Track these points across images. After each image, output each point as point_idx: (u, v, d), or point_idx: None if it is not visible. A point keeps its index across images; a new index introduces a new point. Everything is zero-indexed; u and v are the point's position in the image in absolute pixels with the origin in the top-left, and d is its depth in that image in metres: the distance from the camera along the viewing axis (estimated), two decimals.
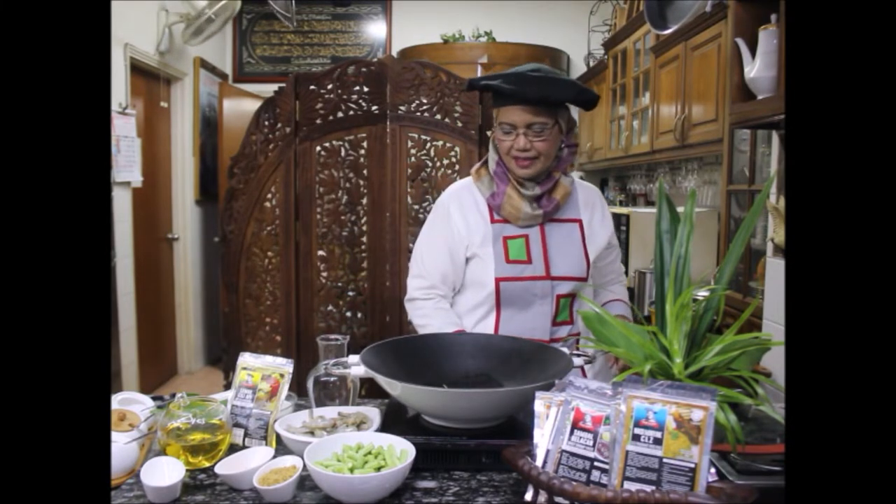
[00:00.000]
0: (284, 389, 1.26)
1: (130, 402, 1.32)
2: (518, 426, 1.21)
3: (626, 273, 3.39)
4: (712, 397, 0.91)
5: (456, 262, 1.66)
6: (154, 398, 1.37)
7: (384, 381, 1.18)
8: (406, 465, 1.04)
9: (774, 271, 2.05)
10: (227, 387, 2.09)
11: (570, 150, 1.65)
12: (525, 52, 4.99)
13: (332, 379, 1.36)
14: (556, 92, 1.54)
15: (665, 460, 0.90)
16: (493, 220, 1.64)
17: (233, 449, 1.20)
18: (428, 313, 1.68)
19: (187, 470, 1.10)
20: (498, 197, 1.62)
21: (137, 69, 4.04)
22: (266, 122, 2.44)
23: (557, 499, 0.93)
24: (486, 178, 1.65)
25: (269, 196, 2.47)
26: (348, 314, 2.50)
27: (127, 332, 3.88)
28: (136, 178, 3.94)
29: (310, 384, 1.35)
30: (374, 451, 1.09)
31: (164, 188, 4.62)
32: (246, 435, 1.24)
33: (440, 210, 1.71)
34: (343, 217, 2.47)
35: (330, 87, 2.43)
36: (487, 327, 1.64)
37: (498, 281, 1.60)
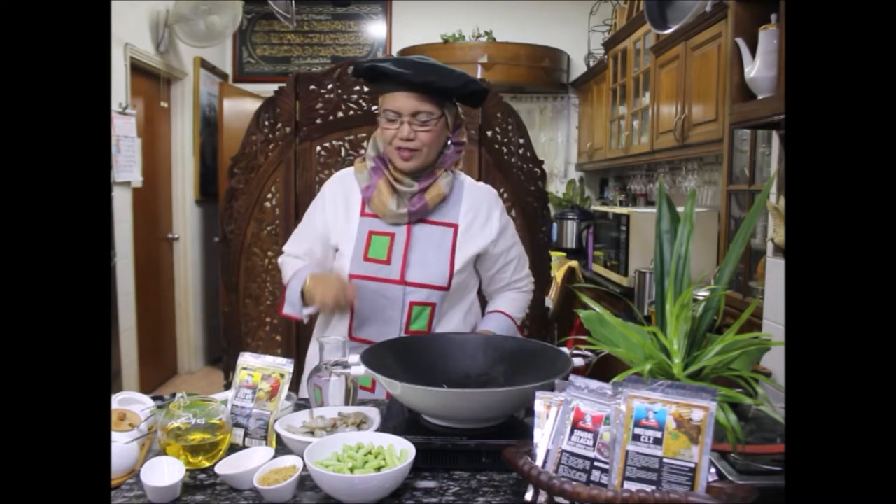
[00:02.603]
0: (284, 389, 1.26)
1: (130, 402, 1.32)
2: (518, 426, 1.21)
3: (627, 272, 3.41)
4: (712, 397, 0.91)
5: (317, 251, 1.67)
6: (154, 398, 1.37)
7: (384, 381, 1.18)
8: (406, 465, 1.04)
9: (774, 271, 2.05)
10: (227, 387, 2.08)
11: (457, 149, 1.62)
12: (525, 52, 4.99)
13: (331, 379, 1.36)
14: (442, 78, 1.50)
15: (665, 460, 0.90)
16: (363, 214, 1.61)
17: (233, 449, 1.20)
18: (285, 265, 1.70)
19: (187, 470, 1.10)
20: (370, 190, 1.59)
21: (137, 69, 4.04)
22: (266, 122, 2.44)
23: (557, 499, 0.93)
24: (366, 170, 1.62)
25: (269, 196, 2.46)
26: None
27: (127, 332, 3.88)
28: (136, 178, 3.94)
29: (310, 384, 1.35)
30: (374, 451, 1.09)
31: (164, 188, 4.62)
32: (246, 435, 1.24)
33: (318, 197, 1.71)
34: None
35: (330, 86, 2.43)
36: (342, 326, 1.61)
37: (351, 278, 1.57)
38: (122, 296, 3.83)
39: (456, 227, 1.61)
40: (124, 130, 3.74)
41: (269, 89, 2.70)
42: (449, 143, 1.60)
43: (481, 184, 1.72)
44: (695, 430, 0.90)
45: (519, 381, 1.27)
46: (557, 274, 3.82)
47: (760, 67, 1.89)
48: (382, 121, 1.55)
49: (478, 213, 1.63)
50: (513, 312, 1.71)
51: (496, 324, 1.67)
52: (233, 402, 1.26)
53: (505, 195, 2.47)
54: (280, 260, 1.75)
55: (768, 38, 1.87)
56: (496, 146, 2.44)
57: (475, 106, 1.65)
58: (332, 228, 1.64)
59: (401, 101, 1.51)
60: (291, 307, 1.59)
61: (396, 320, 1.58)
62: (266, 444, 1.21)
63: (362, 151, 2.43)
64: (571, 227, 4.94)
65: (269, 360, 1.28)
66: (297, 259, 1.69)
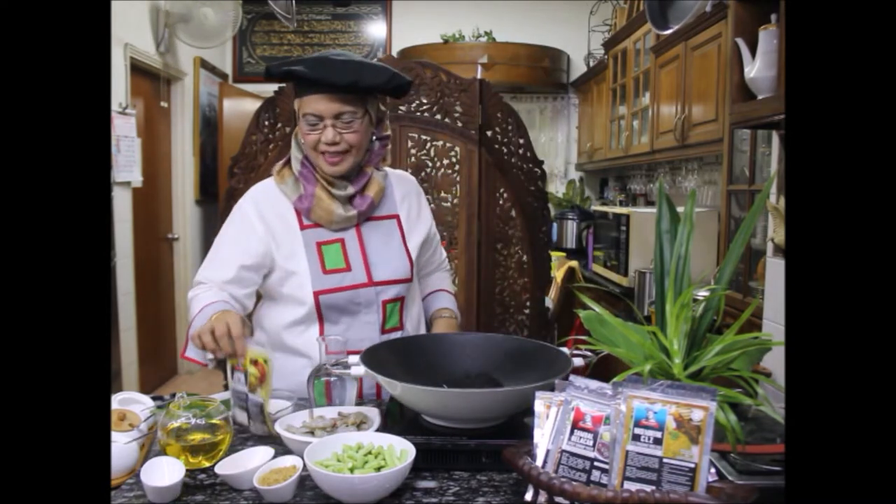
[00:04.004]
0: (271, 375, 1.26)
1: (130, 402, 1.32)
2: (518, 426, 1.21)
3: (627, 272, 3.41)
4: (712, 397, 0.91)
5: (249, 277, 1.50)
6: (154, 398, 1.37)
7: (384, 381, 1.18)
8: (406, 465, 1.04)
9: (774, 271, 2.05)
10: (227, 387, 2.08)
11: (382, 143, 1.54)
12: (525, 52, 4.99)
13: (332, 379, 1.36)
14: (367, 77, 1.40)
15: (665, 460, 0.90)
16: (303, 227, 1.50)
17: (233, 449, 1.20)
18: (196, 300, 1.47)
19: (187, 470, 1.10)
20: (306, 200, 1.48)
21: (137, 69, 4.04)
22: (266, 122, 2.44)
23: (557, 499, 0.93)
24: (291, 179, 1.51)
25: None
26: None
27: (127, 332, 3.88)
28: (136, 178, 3.94)
29: (309, 384, 1.35)
30: (374, 451, 1.09)
31: (164, 188, 4.61)
32: (249, 418, 1.27)
33: (239, 219, 1.53)
34: None
35: None
36: (310, 339, 1.49)
37: (317, 294, 1.47)
38: (122, 296, 3.83)
39: (398, 217, 1.59)
40: (124, 130, 3.74)
41: (269, 89, 2.70)
42: (374, 138, 1.52)
43: (400, 171, 1.70)
44: (695, 430, 0.90)
45: (519, 381, 1.27)
46: (557, 274, 3.83)
47: (760, 67, 1.89)
48: (303, 125, 1.45)
49: (411, 201, 1.64)
50: (451, 290, 1.81)
51: (448, 301, 1.75)
52: (234, 386, 1.29)
53: (505, 195, 2.47)
54: (191, 294, 1.50)
55: (768, 38, 1.87)
56: (496, 146, 2.44)
57: (398, 97, 1.59)
58: (274, 251, 1.49)
59: (322, 104, 1.41)
60: (193, 350, 1.37)
61: (374, 322, 1.53)
62: (266, 430, 1.22)
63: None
64: (571, 227, 4.94)
65: (251, 346, 1.30)
66: (214, 290, 1.47)
